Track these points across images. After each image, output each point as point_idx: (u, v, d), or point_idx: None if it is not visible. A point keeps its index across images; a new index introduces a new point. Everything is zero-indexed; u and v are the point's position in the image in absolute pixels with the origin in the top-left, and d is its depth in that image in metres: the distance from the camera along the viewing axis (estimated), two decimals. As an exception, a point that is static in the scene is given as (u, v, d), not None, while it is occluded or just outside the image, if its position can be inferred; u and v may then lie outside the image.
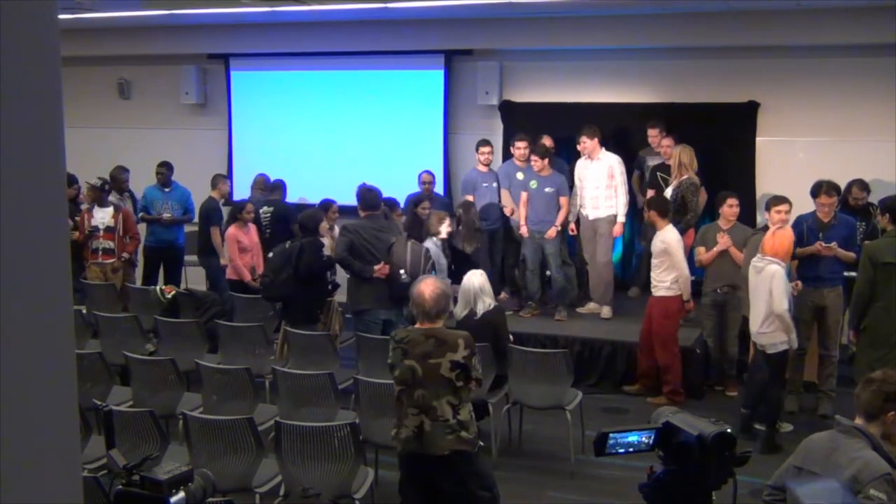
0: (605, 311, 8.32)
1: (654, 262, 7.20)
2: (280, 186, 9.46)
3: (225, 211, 9.12)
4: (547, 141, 8.74)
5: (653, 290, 7.24)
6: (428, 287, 4.32)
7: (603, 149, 8.29)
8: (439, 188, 10.08)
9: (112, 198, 9.10)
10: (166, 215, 9.48)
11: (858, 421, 3.33)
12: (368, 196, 7.25)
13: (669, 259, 7.01)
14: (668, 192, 7.82)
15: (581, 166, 8.44)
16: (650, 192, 8.15)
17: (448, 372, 4.16)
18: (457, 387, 4.20)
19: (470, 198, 8.51)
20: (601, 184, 8.24)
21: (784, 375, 6.41)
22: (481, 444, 4.35)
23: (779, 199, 6.80)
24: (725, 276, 7.23)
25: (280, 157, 10.75)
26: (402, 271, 6.83)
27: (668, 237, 7.06)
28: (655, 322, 7.18)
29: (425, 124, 10.32)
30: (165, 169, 9.66)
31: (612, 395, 7.47)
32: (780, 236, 6.11)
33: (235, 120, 11.22)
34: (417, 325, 4.36)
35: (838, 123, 8.73)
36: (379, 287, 6.96)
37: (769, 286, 5.98)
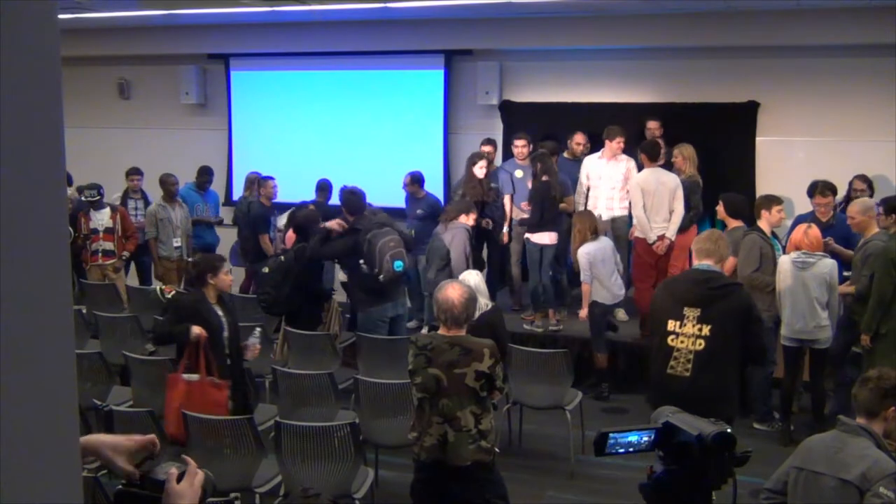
0: (621, 314, 8.25)
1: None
2: (326, 187, 9.16)
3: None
4: (579, 137, 8.81)
5: None
6: (455, 292, 4.20)
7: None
8: (439, 188, 10.09)
9: (154, 204, 9.17)
10: (210, 217, 9.66)
11: (860, 420, 3.33)
12: (353, 199, 7.09)
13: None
14: None
15: (597, 165, 8.37)
16: None
17: (473, 382, 4.09)
18: (481, 396, 4.14)
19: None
20: (618, 185, 8.20)
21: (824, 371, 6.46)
22: (497, 451, 4.32)
23: (777, 199, 6.81)
24: None
25: (280, 157, 10.75)
26: (361, 261, 6.69)
27: (634, 179, 7.55)
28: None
29: (425, 124, 10.32)
30: (208, 176, 9.76)
31: (612, 395, 7.47)
32: (814, 234, 6.16)
33: (235, 120, 11.23)
34: (442, 332, 4.24)
35: (838, 123, 8.73)
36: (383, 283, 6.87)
37: (827, 278, 6.03)
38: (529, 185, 8.18)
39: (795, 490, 3.38)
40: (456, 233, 7.23)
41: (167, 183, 9.16)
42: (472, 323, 5.76)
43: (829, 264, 6.10)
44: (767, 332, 6.09)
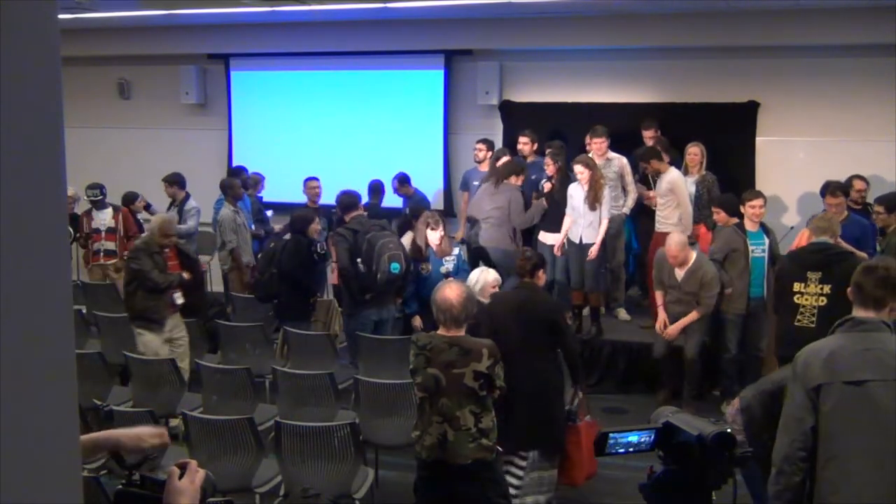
0: (623, 314, 8.28)
1: (660, 201, 7.72)
2: (379, 189, 8.78)
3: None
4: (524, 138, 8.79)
5: (658, 226, 7.69)
6: (454, 291, 4.22)
7: (609, 150, 8.18)
8: (439, 187, 10.10)
9: (227, 208, 8.49)
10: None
11: (869, 313, 3.04)
12: (346, 199, 6.99)
13: (675, 197, 7.51)
14: (692, 188, 7.92)
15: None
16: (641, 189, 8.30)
17: (471, 381, 4.11)
18: (480, 396, 4.15)
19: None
20: (614, 184, 8.12)
21: None
22: (499, 449, 4.32)
23: (754, 194, 6.80)
24: None
25: (280, 157, 10.76)
26: (358, 259, 6.58)
27: (673, 177, 7.63)
28: None
29: (425, 124, 10.32)
30: (243, 178, 9.43)
31: (612, 395, 7.47)
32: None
33: (235, 120, 11.23)
34: (441, 332, 4.25)
35: (838, 123, 8.73)
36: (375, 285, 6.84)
37: None
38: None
39: (834, 407, 2.90)
40: (512, 194, 7.49)
41: (235, 186, 8.71)
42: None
43: None
44: (732, 327, 6.71)
